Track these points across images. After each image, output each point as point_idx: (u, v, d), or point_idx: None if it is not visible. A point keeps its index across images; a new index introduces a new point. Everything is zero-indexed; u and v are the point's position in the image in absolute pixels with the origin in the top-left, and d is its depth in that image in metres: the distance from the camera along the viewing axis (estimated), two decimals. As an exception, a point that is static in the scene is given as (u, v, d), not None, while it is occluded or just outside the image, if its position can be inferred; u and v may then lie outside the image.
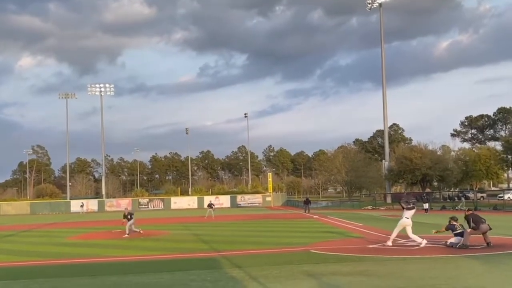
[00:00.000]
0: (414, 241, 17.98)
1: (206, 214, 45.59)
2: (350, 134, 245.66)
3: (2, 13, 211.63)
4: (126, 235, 26.78)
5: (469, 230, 17.78)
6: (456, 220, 18.40)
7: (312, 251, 18.01)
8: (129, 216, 27.62)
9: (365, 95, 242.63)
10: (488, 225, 17.90)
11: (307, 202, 55.19)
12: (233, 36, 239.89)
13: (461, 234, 17.72)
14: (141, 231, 27.70)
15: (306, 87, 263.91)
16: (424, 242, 17.72)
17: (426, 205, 47.10)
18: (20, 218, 64.63)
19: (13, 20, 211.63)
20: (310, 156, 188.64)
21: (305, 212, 51.25)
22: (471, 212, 18.96)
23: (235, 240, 23.61)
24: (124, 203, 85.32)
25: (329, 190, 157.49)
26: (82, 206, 79.92)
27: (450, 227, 18.35)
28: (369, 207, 62.37)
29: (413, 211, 18.44)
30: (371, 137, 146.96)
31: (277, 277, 12.74)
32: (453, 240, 17.80)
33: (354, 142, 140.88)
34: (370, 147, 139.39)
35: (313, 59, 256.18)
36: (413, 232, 18.38)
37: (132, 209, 29.90)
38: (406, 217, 18.23)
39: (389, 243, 18.38)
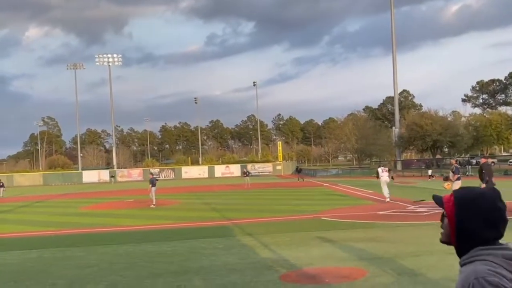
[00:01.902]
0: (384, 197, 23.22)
1: (245, 182, 44.87)
2: (360, 101, 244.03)
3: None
4: (153, 205, 26.04)
5: (483, 185, 17.60)
6: (456, 162, 18.63)
7: (323, 218, 18.08)
8: (154, 182, 26.76)
9: (374, 62, 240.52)
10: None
11: (298, 170, 54.98)
12: (240, 4, 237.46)
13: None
14: (154, 203, 26.41)
15: (314, 54, 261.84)
16: (388, 199, 22.81)
17: (430, 172, 47.18)
18: (33, 189, 65.43)
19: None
20: (320, 124, 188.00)
21: (298, 180, 50.83)
22: (485, 161, 18.74)
23: (246, 208, 23.76)
24: (135, 173, 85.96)
25: (339, 158, 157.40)
26: (113, 177, 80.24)
27: (456, 169, 18.38)
28: (393, 175, 62.27)
29: (386, 173, 23.93)
30: (381, 104, 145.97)
31: (289, 244, 12.81)
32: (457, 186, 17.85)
33: (364, 109, 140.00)
34: (380, 114, 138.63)
35: (321, 25, 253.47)
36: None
37: (155, 177, 29.26)
38: (382, 177, 23.72)
39: (387, 200, 22.89)
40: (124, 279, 9.72)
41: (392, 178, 26.48)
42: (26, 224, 20.90)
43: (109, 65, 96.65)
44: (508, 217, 1.96)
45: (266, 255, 11.39)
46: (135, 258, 11.94)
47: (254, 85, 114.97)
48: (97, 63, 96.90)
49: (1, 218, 24.26)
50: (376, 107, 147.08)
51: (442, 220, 1.98)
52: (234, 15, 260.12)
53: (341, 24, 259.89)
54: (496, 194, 1.92)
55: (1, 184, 46.50)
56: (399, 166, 70.89)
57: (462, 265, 1.89)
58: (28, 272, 10.83)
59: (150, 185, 26.92)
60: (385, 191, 23.37)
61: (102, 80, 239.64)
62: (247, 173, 47.15)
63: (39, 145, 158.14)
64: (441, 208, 1.98)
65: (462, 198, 1.92)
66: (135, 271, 10.34)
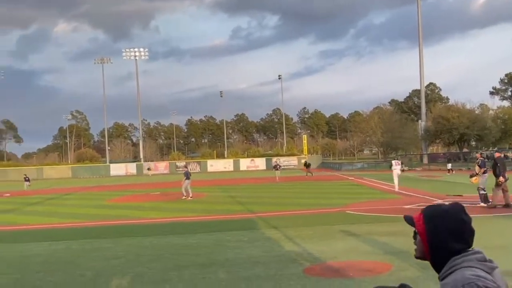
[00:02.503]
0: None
1: (276, 175, 44.35)
2: (386, 94, 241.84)
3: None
4: (190, 197, 26.11)
5: (500, 179, 17.16)
6: (482, 155, 18.35)
7: (348, 211, 17.97)
8: (188, 175, 26.91)
9: (400, 54, 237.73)
10: None
11: (307, 165, 53.51)
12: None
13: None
14: (187, 197, 26.37)
15: (339, 47, 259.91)
16: (396, 189, 25.82)
17: (449, 165, 46.49)
18: (62, 181, 66.56)
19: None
20: (345, 117, 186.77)
21: (306, 175, 49.61)
22: (499, 155, 18.58)
23: (271, 201, 23.76)
24: (161, 166, 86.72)
25: (364, 152, 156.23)
26: (149, 169, 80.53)
27: (482, 163, 18.09)
28: (405, 168, 61.63)
29: (398, 166, 27.50)
30: (407, 97, 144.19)
31: (313, 237, 12.77)
32: (482, 185, 17.55)
33: (389, 102, 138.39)
34: (406, 107, 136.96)
35: (346, 18, 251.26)
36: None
37: (189, 169, 29.31)
38: (394, 169, 27.15)
39: (397, 189, 25.89)
40: (150, 270, 9.81)
41: (403, 171, 28.91)
42: (55, 216, 21.26)
43: (136, 59, 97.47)
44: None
45: (290, 248, 11.38)
46: (161, 250, 12.05)
47: (280, 78, 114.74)
48: (124, 57, 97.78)
49: (30, 210, 24.76)
50: (402, 100, 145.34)
51: (414, 237, 2.11)
52: (258, 8, 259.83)
53: (367, 16, 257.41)
54: (460, 208, 2.06)
55: (27, 178, 47.10)
56: (425, 160, 70.00)
57: (442, 278, 1.98)
58: (56, 263, 11.02)
59: (184, 178, 26.99)
60: (396, 181, 26.77)
61: (129, 74, 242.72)
62: (278, 166, 46.68)
63: (68, 139, 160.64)
64: (412, 227, 2.12)
65: (430, 215, 2.06)
66: (161, 263, 10.43)
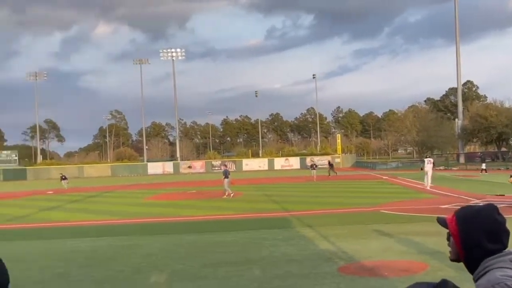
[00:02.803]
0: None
1: (313, 174, 42.99)
2: (421, 93, 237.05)
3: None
4: (229, 195, 26.23)
5: None
6: None
7: (382, 211, 17.79)
8: (226, 174, 27.03)
9: (436, 52, 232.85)
10: None
11: (330, 165, 52.14)
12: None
13: None
14: (228, 195, 26.27)
15: (374, 46, 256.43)
16: (427, 187, 26.74)
17: (483, 165, 45.32)
18: (101, 180, 67.88)
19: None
20: (380, 116, 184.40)
21: (329, 175, 47.37)
22: None
23: (305, 200, 23.71)
24: (198, 165, 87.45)
25: (399, 151, 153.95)
26: (190, 167, 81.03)
27: None
28: (441, 167, 60.43)
29: (430, 165, 28.05)
30: (443, 95, 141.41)
31: (348, 236, 12.70)
32: None
33: (425, 101, 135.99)
34: (442, 106, 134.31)
35: (381, 16, 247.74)
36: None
37: (227, 169, 29.42)
38: (426, 167, 28.08)
39: (428, 188, 26.65)
40: (187, 267, 9.94)
41: (436, 170, 29.91)
42: (96, 213, 21.73)
43: (173, 60, 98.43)
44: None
45: (324, 247, 11.35)
46: (197, 247, 12.19)
47: (314, 77, 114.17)
48: (162, 58, 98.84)
49: (73, 208, 25.36)
50: (438, 98, 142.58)
51: (448, 239, 2.09)
52: (293, 8, 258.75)
53: (402, 14, 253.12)
54: (494, 208, 2.02)
55: (64, 176, 47.04)
56: (461, 159, 68.53)
57: (476, 280, 1.96)
58: (97, 258, 11.28)
59: (223, 177, 27.23)
60: (427, 179, 27.64)
61: (166, 75, 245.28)
62: (314, 165, 45.77)
63: (107, 138, 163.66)
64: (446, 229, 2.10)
65: (463, 216, 2.04)
66: (197, 260, 10.55)
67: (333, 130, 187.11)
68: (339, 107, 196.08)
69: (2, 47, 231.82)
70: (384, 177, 42.72)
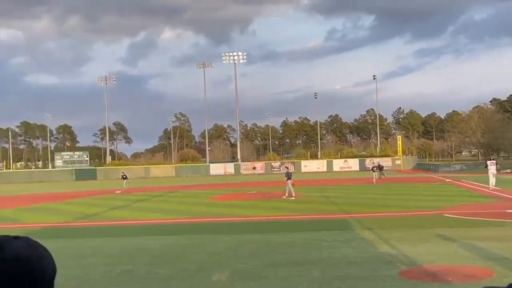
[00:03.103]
0: None
1: (374, 176, 41.30)
2: (486, 93, 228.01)
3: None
4: (285, 197, 26.36)
5: None
6: None
7: (446, 215, 17.24)
8: (289, 175, 27.25)
9: (502, 52, 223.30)
10: None
11: (380, 167, 48.57)
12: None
13: None
14: (289, 196, 26.26)
15: (437, 46, 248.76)
16: (491, 188, 26.79)
17: None
18: (166, 180, 69.52)
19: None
20: (443, 117, 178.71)
21: (380, 177, 44.59)
22: None
23: (365, 202, 23.33)
24: (258, 166, 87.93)
25: (463, 153, 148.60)
26: (254, 168, 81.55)
27: None
28: (508, 170, 57.82)
29: (493, 167, 28.74)
30: (510, 95, 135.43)
31: (409, 240, 12.40)
32: None
33: (491, 101, 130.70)
34: (510, 106, 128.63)
35: (445, 15, 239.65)
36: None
37: (289, 171, 29.51)
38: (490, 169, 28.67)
39: (491, 188, 26.91)
40: (248, 266, 10.03)
41: (497, 170, 30.07)
42: (161, 212, 22.28)
43: (235, 63, 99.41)
44: None
45: (385, 250, 11.13)
46: (258, 247, 12.26)
47: (374, 78, 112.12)
48: (224, 61, 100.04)
49: (140, 207, 26.12)
50: (505, 99, 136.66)
51: None
52: (354, 9, 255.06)
53: (467, 13, 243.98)
54: None
55: (125, 176, 46.82)
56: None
57: None
58: (164, 256, 11.57)
59: (286, 178, 27.30)
60: (491, 181, 28.06)
61: (228, 78, 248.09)
62: (375, 168, 43.66)
63: (172, 139, 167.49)
64: None
65: None
66: (258, 260, 10.62)
67: (394, 131, 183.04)
68: (400, 108, 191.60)
69: (76, 53, 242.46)
70: (447, 180, 41.37)
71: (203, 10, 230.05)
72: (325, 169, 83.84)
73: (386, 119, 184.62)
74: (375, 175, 41.41)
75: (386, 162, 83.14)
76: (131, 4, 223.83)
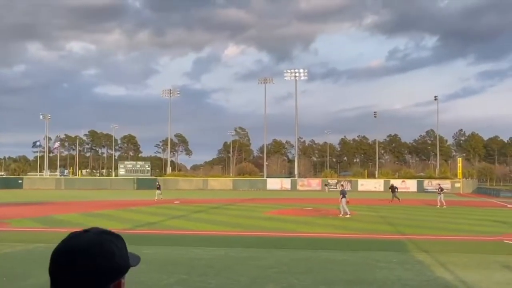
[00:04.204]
0: None
1: (438, 198, 38.11)
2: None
3: (212, 7, 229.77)
4: (341, 215, 26.14)
5: None
6: None
7: (506, 241, 16.42)
8: (344, 193, 27.02)
9: None
10: None
11: (393, 189, 44.77)
12: (424, 18, 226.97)
13: None
14: (344, 215, 26.16)
15: (502, 68, 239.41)
16: None
17: None
18: (224, 192, 70.18)
19: (221, 13, 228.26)
20: (506, 141, 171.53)
21: (392, 199, 42.67)
22: None
23: (423, 224, 22.61)
24: (314, 183, 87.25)
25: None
26: (326, 185, 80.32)
27: None
28: None
29: None
30: None
31: (467, 265, 11.89)
32: None
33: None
34: None
35: (510, 37, 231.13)
36: None
37: (345, 189, 29.32)
38: None
39: None
40: (300, 282, 9.91)
41: None
42: (217, 224, 22.47)
43: (296, 80, 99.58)
44: None
45: (441, 274, 10.72)
46: (311, 263, 12.10)
47: (436, 99, 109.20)
48: (286, 78, 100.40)
49: (197, 217, 26.45)
50: None
51: None
52: (417, 29, 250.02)
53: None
54: None
55: (158, 186, 45.26)
56: None
57: None
58: (218, 267, 11.63)
59: (341, 196, 26.98)
60: None
61: (288, 94, 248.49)
62: (440, 189, 40.68)
63: (230, 153, 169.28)
64: None
65: None
66: (311, 276, 10.48)
67: (454, 153, 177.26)
68: (461, 129, 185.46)
69: (143, 66, 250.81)
70: (509, 206, 39.48)
71: (267, 28, 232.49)
72: (382, 188, 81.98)
73: (446, 141, 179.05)
74: (441, 197, 38.57)
75: (445, 184, 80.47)
76: (197, 20, 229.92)
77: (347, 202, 26.91)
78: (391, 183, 54.92)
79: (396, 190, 45.43)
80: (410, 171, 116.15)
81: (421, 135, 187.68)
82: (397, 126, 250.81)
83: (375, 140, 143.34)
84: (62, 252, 1.37)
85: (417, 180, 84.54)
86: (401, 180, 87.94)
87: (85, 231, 1.45)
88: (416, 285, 9.64)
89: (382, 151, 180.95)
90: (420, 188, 79.76)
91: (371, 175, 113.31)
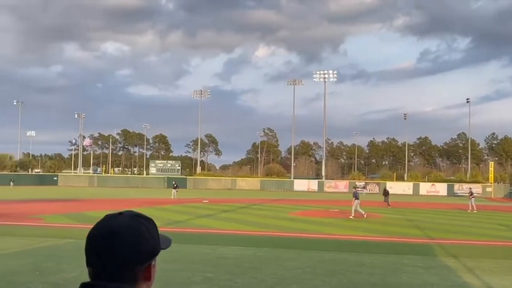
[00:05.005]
0: None
1: (470, 203, 36.95)
2: None
3: (242, 9, 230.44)
4: (351, 217, 26.48)
5: None
6: None
7: (538, 248, 16.03)
8: (357, 195, 27.60)
9: None
10: None
11: (385, 193, 42.39)
12: (457, 19, 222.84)
13: None
14: (365, 215, 26.36)
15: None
16: None
17: None
18: (251, 192, 70.32)
19: (252, 14, 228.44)
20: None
21: (388, 204, 39.47)
22: None
23: (451, 229, 22.21)
24: (341, 185, 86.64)
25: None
26: (364, 188, 78.34)
27: None
28: None
29: None
30: None
31: (495, 271, 11.65)
32: None
33: None
34: None
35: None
36: None
37: (357, 191, 29.62)
38: None
39: None
40: (326, 284, 9.89)
41: None
42: (245, 224, 22.56)
43: (325, 81, 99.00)
44: None
45: (469, 280, 10.54)
46: (337, 265, 12.06)
47: (468, 102, 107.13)
48: (315, 79, 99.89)
49: (224, 217, 26.61)
50: None
51: None
52: (449, 30, 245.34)
53: None
54: None
55: (175, 185, 44.76)
56: None
57: None
58: (244, 266, 11.70)
59: (354, 198, 27.28)
60: None
61: (317, 95, 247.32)
62: (471, 194, 39.22)
63: (259, 154, 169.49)
64: None
65: None
66: (336, 278, 10.44)
67: (486, 157, 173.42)
68: (493, 133, 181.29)
69: (175, 67, 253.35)
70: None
71: (298, 29, 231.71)
72: (411, 192, 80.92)
73: (478, 144, 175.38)
74: (472, 201, 37.22)
75: (476, 188, 78.86)
76: (229, 22, 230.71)
77: (360, 205, 27.20)
78: (384, 188, 52.73)
79: (387, 194, 42.27)
80: (440, 175, 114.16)
81: (452, 138, 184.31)
82: (427, 129, 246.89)
83: (405, 142, 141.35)
84: (98, 233, 1.45)
85: (447, 184, 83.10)
86: (431, 183, 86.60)
87: (120, 213, 1.52)
88: (442, 290, 9.50)
89: (412, 154, 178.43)
90: (450, 192, 78.37)
91: (400, 178, 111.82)
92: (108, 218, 1.50)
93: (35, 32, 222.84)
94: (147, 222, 1.52)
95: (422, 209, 37.14)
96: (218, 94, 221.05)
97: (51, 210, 28.90)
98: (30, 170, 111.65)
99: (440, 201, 52.78)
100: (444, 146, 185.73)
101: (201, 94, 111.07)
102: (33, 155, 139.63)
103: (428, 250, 15.15)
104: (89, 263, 1.44)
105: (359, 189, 31.58)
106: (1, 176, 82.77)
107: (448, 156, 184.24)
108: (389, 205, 39.19)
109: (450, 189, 79.45)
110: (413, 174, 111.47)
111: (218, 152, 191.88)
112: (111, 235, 1.42)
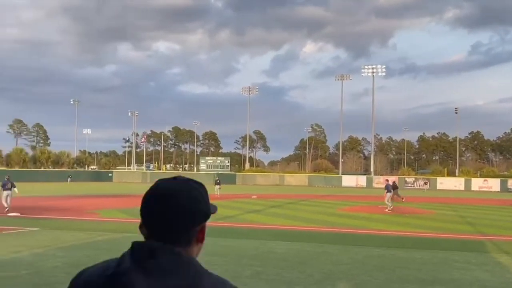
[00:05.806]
0: None
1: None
2: None
3: (291, 5, 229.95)
4: (388, 210, 27.08)
5: None
6: None
7: None
8: (389, 188, 27.99)
9: None
10: None
11: (394, 187, 37.63)
12: (509, 10, 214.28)
13: None
14: (403, 199, 28.22)
15: None
16: None
17: None
18: (299, 188, 70.17)
19: (300, 11, 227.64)
20: None
21: (403, 199, 35.79)
22: None
23: (505, 225, 21.45)
24: (390, 181, 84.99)
25: None
26: (425, 183, 79.01)
27: None
28: None
29: None
30: None
31: (552, 269, 11.19)
32: None
33: None
34: None
35: None
36: None
37: (392, 183, 29.47)
38: None
39: None
40: (374, 280, 9.78)
41: None
42: (293, 219, 22.58)
43: (373, 76, 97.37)
44: None
45: (523, 277, 10.16)
46: (386, 261, 11.90)
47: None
48: (363, 74, 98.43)
49: (273, 212, 26.71)
50: None
51: None
52: (502, 22, 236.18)
53: None
54: None
55: (218, 181, 44.40)
56: None
57: None
58: (292, 261, 11.72)
59: (386, 191, 28.42)
60: None
61: (365, 91, 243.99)
62: None
63: (307, 150, 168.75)
64: None
65: None
66: (385, 274, 10.31)
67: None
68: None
69: (225, 65, 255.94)
70: None
71: (345, 24, 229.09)
72: (462, 187, 78.55)
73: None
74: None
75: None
76: (276, 19, 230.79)
77: (392, 198, 28.27)
78: (392, 182, 48.74)
79: (396, 188, 37.22)
80: (493, 170, 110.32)
81: (505, 132, 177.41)
82: (479, 123, 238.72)
83: (456, 137, 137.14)
84: (154, 194, 1.49)
85: (501, 179, 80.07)
86: (483, 179, 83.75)
87: (174, 178, 1.58)
88: (494, 286, 9.22)
89: (464, 149, 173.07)
90: (504, 188, 75.45)
91: (451, 174, 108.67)
92: (163, 181, 1.55)
93: (90, 34, 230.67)
94: (200, 186, 1.58)
95: (474, 205, 36.02)
96: (266, 90, 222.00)
97: (106, 205, 29.87)
98: (86, 166, 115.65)
99: (493, 197, 50.99)
100: (497, 141, 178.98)
101: (250, 91, 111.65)
102: (89, 152, 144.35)
103: (481, 246, 14.71)
104: (144, 224, 1.47)
105: (410, 185, 31.25)
106: (59, 172, 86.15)
107: (501, 151, 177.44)
108: (403, 199, 35.94)
109: (503, 185, 76.50)
110: (464, 170, 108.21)
111: (266, 149, 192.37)
112: (167, 196, 1.46)
